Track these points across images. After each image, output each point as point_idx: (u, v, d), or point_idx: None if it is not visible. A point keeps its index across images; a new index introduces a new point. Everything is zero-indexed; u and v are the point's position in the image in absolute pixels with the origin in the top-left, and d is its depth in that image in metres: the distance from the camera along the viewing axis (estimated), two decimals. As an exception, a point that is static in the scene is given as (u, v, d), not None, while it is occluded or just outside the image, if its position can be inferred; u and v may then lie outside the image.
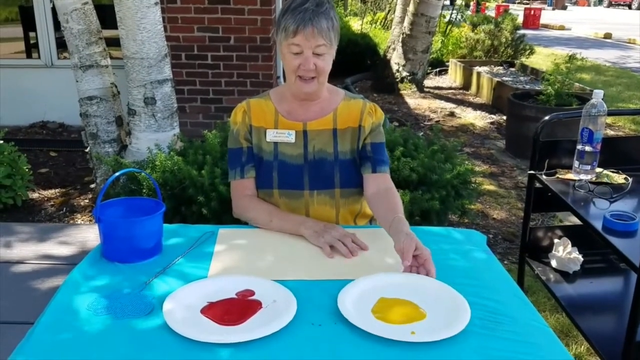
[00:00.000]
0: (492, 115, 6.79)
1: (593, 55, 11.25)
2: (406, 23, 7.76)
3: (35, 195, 4.04)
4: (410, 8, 7.68)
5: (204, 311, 1.25)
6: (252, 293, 1.32)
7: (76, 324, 1.20)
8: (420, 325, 1.20)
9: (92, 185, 3.95)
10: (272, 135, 1.78)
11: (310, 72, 1.66)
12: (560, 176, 2.20)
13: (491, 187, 4.51)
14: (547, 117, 2.26)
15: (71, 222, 3.67)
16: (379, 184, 1.76)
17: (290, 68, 1.68)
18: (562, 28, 18.64)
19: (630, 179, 2.12)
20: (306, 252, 1.57)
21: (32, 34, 5.70)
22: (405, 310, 1.26)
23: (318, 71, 1.67)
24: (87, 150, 3.65)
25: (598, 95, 2.11)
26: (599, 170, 2.17)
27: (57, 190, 4.17)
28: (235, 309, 1.26)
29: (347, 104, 1.82)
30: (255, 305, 1.27)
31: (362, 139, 1.80)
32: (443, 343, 1.14)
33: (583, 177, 2.15)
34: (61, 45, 5.53)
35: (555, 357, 1.16)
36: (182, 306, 1.26)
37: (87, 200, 3.95)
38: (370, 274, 1.40)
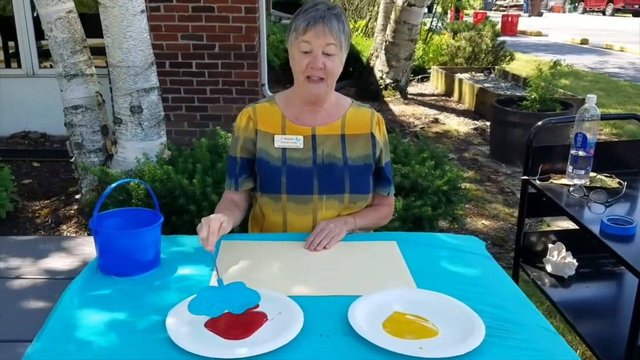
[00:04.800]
0: (475, 121, 6.84)
1: (571, 61, 11.34)
2: (389, 31, 7.79)
3: (19, 206, 3.95)
4: (393, 16, 7.71)
5: (208, 325, 1.21)
6: (256, 305, 1.29)
7: (77, 341, 1.16)
8: (430, 341, 1.17)
9: (77, 196, 3.88)
10: (280, 141, 1.75)
11: (318, 71, 1.64)
12: (554, 181, 2.21)
13: (477, 193, 4.53)
14: (540, 123, 2.26)
15: (57, 233, 3.60)
16: (386, 204, 1.91)
17: (299, 68, 1.67)
18: (539, 34, 18.87)
19: (624, 183, 2.13)
20: (312, 267, 1.51)
21: (11, 44, 5.61)
22: (417, 326, 1.23)
23: (327, 72, 1.66)
24: (72, 160, 3.58)
25: (591, 100, 2.11)
26: (592, 174, 2.17)
27: (41, 201, 4.09)
28: (239, 322, 1.23)
29: (355, 110, 1.83)
30: (261, 318, 1.24)
31: (379, 149, 1.82)
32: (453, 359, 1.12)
33: (577, 181, 2.15)
34: (42, 54, 5.46)
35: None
36: (185, 320, 1.22)
37: (72, 211, 3.88)
38: (378, 290, 1.36)
